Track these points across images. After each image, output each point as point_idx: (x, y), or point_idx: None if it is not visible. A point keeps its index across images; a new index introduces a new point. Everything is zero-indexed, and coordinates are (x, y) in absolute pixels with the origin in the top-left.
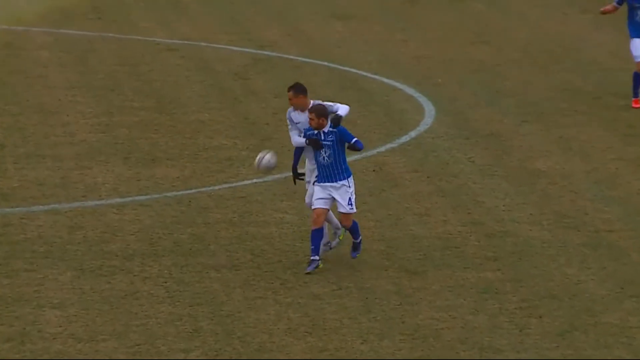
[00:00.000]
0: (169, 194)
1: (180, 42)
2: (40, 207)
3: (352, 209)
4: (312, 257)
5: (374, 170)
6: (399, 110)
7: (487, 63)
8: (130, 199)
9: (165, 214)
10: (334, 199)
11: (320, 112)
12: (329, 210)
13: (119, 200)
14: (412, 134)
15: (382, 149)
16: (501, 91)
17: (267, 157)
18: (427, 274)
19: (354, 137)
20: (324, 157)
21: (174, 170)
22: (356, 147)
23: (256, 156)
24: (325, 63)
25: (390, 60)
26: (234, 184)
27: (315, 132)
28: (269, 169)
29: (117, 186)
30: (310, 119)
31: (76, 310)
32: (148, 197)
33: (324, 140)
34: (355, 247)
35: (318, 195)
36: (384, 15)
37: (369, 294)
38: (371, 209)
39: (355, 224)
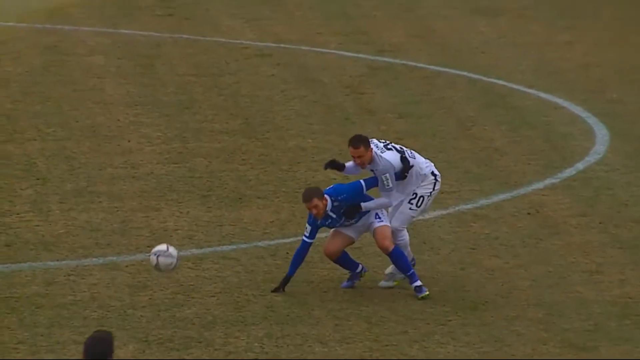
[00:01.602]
0: (260, 244)
1: (275, 45)
2: (94, 259)
3: (382, 221)
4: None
5: (528, 213)
6: (561, 134)
7: None
8: (210, 249)
9: (255, 269)
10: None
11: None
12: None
13: (195, 251)
14: (579, 165)
15: (540, 185)
16: None
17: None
18: (599, 350)
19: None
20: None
21: (266, 213)
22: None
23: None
24: (465, 73)
25: (550, 69)
26: None
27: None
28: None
29: (193, 233)
30: (315, 206)
31: None
32: (233, 247)
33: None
34: (418, 290)
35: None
36: (543, 10)
37: None
38: (525, 263)
39: (397, 249)
